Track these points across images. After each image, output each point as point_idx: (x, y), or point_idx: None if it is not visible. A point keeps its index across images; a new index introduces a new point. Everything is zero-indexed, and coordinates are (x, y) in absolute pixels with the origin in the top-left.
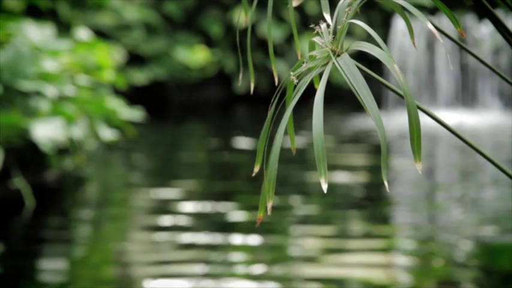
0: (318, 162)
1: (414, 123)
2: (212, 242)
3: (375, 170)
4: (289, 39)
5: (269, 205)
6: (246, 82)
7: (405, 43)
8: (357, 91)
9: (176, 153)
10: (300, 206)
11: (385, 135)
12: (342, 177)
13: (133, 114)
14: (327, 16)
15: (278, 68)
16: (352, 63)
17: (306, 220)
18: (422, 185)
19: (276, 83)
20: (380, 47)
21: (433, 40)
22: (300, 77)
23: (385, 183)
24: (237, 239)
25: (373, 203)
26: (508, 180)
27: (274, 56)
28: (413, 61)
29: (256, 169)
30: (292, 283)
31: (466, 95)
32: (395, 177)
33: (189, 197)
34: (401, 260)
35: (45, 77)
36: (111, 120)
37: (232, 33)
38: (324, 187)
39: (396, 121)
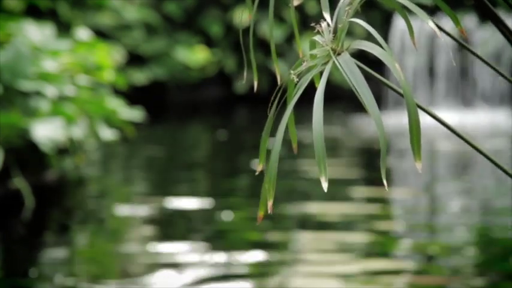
0: (318, 160)
1: (414, 123)
2: (213, 242)
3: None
4: (289, 39)
5: (269, 204)
6: (246, 82)
7: (405, 43)
8: (357, 90)
9: (176, 153)
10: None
11: (384, 135)
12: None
13: (133, 114)
14: (327, 15)
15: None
16: (353, 62)
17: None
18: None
19: (279, 82)
20: (381, 46)
21: (433, 40)
22: (300, 76)
23: (384, 182)
24: (237, 241)
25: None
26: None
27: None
28: (413, 61)
29: (260, 168)
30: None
31: (465, 95)
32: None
33: (189, 196)
34: (400, 267)
35: (45, 77)
36: (111, 120)
37: (232, 33)
38: (324, 185)
39: (395, 121)
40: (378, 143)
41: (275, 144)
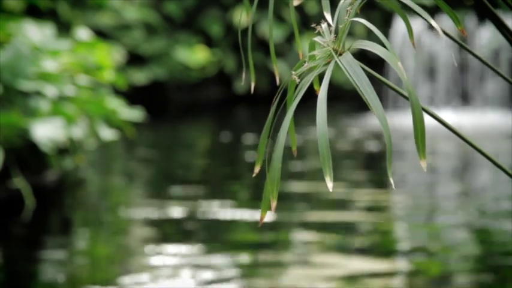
0: (322, 161)
1: (418, 122)
2: (214, 242)
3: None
4: (289, 39)
5: (273, 204)
6: (246, 82)
7: (406, 43)
8: (360, 90)
9: (176, 153)
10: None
11: (389, 134)
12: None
13: (133, 114)
14: (328, 15)
15: (278, 68)
16: (355, 62)
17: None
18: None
19: (278, 83)
20: (383, 46)
21: (433, 40)
22: (301, 77)
23: (391, 180)
24: (237, 242)
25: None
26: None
27: (274, 56)
28: (414, 61)
29: (257, 169)
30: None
31: (465, 95)
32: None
33: (189, 197)
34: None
35: (45, 77)
36: (111, 120)
37: (232, 33)
38: (330, 185)
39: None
40: (370, 144)
41: (278, 146)
